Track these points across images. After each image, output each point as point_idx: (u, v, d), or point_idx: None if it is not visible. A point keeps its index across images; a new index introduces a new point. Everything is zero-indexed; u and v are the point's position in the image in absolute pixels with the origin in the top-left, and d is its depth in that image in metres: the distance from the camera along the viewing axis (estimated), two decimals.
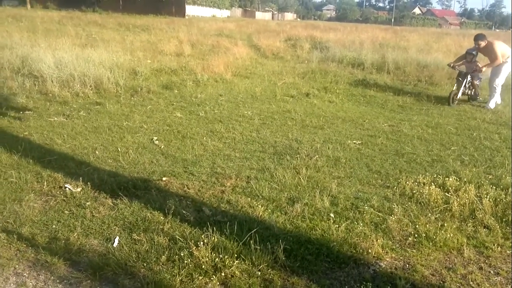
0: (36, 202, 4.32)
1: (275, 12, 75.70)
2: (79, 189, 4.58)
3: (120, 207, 4.21)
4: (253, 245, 3.41)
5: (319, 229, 3.85)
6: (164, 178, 4.89)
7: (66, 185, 4.64)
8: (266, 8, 74.75)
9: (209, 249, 3.35)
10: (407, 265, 3.45)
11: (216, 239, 3.50)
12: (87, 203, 4.29)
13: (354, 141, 6.54)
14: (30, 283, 3.14)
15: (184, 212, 4.05)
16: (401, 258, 3.54)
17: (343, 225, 3.90)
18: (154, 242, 3.58)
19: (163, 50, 14.76)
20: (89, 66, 9.64)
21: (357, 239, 3.70)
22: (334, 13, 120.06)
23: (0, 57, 10.38)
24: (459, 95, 9.87)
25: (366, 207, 4.27)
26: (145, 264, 3.30)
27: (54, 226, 3.86)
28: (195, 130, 6.84)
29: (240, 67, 12.80)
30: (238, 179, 4.90)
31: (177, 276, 3.13)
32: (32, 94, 8.30)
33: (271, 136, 6.69)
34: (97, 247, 3.57)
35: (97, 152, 5.69)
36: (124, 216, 4.05)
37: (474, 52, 10.04)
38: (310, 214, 4.10)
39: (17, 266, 3.33)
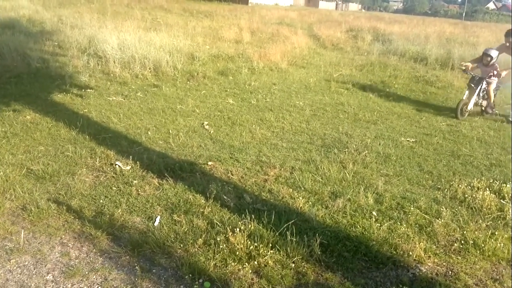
0: (88, 177, 4.54)
1: (339, 2, 73.88)
2: (128, 167, 4.76)
3: (165, 188, 4.33)
4: (289, 237, 3.38)
5: (360, 226, 3.74)
6: (209, 163, 4.96)
7: (117, 163, 4.84)
8: None
9: (245, 236, 3.36)
10: (450, 272, 3.28)
11: (253, 227, 3.51)
12: (134, 181, 4.45)
13: (407, 139, 6.28)
14: (73, 254, 3.32)
15: (225, 197, 4.09)
16: (444, 264, 3.37)
17: (386, 224, 3.77)
18: (193, 224, 3.66)
19: (222, 37, 14.89)
20: (150, 49, 9.94)
21: (398, 240, 3.56)
22: (401, 5, 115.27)
23: (70, 36, 10.96)
24: (471, 105, 7.93)
25: (412, 208, 4.09)
26: (182, 245, 3.38)
27: (101, 201, 4.05)
28: (245, 117, 6.87)
29: (297, 57, 12.65)
30: (282, 169, 4.87)
31: (212, 260, 3.18)
32: (95, 73, 8.69)
33: (320, 128, 6.58)
34: (138, 225, 3.70)
35: (149, 133, 5.88)
36: (167, 197, 4.16)
37: (492, 54, 8.05)
38: (352, 211, 3.99)
39: (63, 236, 3.53)
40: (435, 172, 5.10)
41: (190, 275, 3.05)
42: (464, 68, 8.51)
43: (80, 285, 2.97)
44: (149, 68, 9.17)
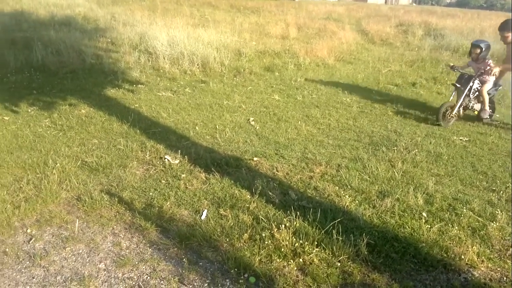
0: (138, 170, 4.69)
1: None
2: (177, 161, 4.87)
3: (212, 182, 4.40)
4: (335, 235, 3.34)
5: (409, 227, 3.63)
6: (255, 158, 4.98)
7: (166, 156, 4.96)
8: None
9: (290, 233, 3.35)
10: (505, 278, 3.12)
11: (298, 224, 3.49)
12: (183, 175, 4.54)
13: (460, 138, 6.02)
14: (124, 244, 3.44)
15: (270, 193, 4.10)
16: (498, 269, 3.21)
17: (436, 226, 3.63)
18: (238, 219, 3.69)
19: (269, 33, 14.88)
20: (198, 46, 10.11)
21: (449, 243, 3.43)
22: None
23: (122, 33, 11.33)
24: (456, 109, 6.69)
25: (464, 210, 3.92)
26: (228, 240, 3.42)
27: (151, 193, 4.17)
28: (291, 113, 6.84)
29: (345, 52, 12.44)
30: (328, 167, 4.81)
31: (257, 256, 3.19)
32: (145, 69, 8.95)
33: (368, 125, 6.44)
34: (186, 218, 3.78)
35: (197, 128, 5.99)
36: (214, 191, 4.22)
37: (482, 45, 6.73)
38: (401, 211, 3.88)
39: (115, 226, 3.67)
40: (490, 173, 4.86)
41: (236, 270, 3.08)
42: (452, 64, 7.36)
43: (130, 275, 3.08)
44: (197, 64, 9.32)
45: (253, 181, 4.38)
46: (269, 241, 3.31)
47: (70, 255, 3.29)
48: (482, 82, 6.93)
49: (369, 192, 4.22)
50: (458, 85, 6.92)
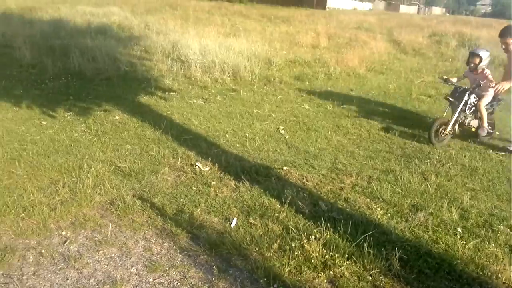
0: (170, 176, 4.76)
1: (422, 6, 70.57)
2: (207, 168, 4.91)
3: (241, 190, 4.41)
4: (366, 248, 3.29)
5: (443, 243, 3.54)
6: (285, 168, 4.97)
7: (196, 163, 5.02)
8: (412, 2, 70.13)
9: (320, 245, 3.33)
10: None
11: (328, 236, 3.46)
12: (213, 182, 4.58)
13: (496, 152, 5.84)
14: (155, 249, 3.49)
15: (300, 203, 4.08)
16: None
17: (472, 242, 3.53)
18: (268, 228, 3.68)
19: (299, 42, 14.91)
20: (229, 54, 10.23)
21: (486, 261, 3.32)
22: (489, 8, 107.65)
23: (155, 42, 11.60)
24: (450, 126, 6.07)
25: (501, 227, 3.79)
26: (257, 249, 3.41)
27: (182, 199, 4.22)
28: (321, 123, 6.81)
29: (376, 62, 12.32)
30: (359, 178, 4.75)
31: (286, 266, 3.18)
32: (177, 77, 9.10)
33: (400, 136, 6.33)
34: (216, 225, 3.80)
35: (227, 136, 6.03)
36: (243, 199, 4.23)
37: (482, 54, 6.15)
38: (434, 226, 3.79)
39: (146, 231, 3.73)
40: None
41: (265, 279, 3.07)
42: (445, 77, 6.62)
43: (161, 280, 3.12)
44: (228, 73, 9.42)
45: (283, 190, 4.37)
46: (299, 252, 3.29)
47: (103, 258, 3.35)
48: (480, 96, 6.29)
49: (402, 205, 4.14)
50: (451, 99, 6.29)
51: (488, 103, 6.35)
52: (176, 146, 5.53)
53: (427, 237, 3.62)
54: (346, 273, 3.12)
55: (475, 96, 6.29)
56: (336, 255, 3.24)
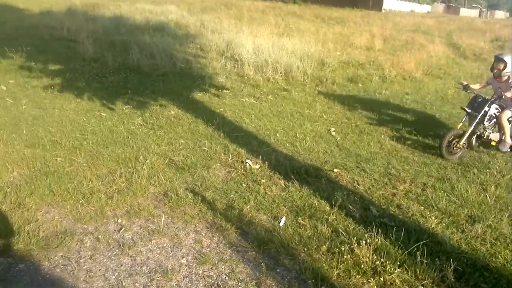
0: (221, 171, 4.84)
1: (484, 9, 67.19)
2: (257, 166, 4.95)
3: (291, 190, 4.41)
4: (419, 257, 3.19)
5: (501, 257, 3.37)
6: (335, 170, 4.92)
7: (247, 161, 5.07)
8: (473, 5, 66.91)
9: (370, 250, 3.26)
10: None
11: (379, 242, 3.39)
12: (262, 180, 4.61)
13: None
14: (205, 242, 3.56)
15: (350, 207, 4.02)
16: None
17: None
18: (317, 230, 3.66)
19: (353, 43, 14.65)
20: (282, 54, 10.23)
21: None
22: None
23: (210, 40, 11.80)
24: (465, 139, 5.51)
25: None
26: (305, 249, 3.40)
27: (232, 195, 4.27)
28: (374, 126, 6.66)
29: (433, 66, 11.86)
30: (412, 185, 4.61)
31: (335, 269, 3.14)
32: (231, 75, 9.22)
33: None
34: (265, 223, 3.83)
35: (277, 135, 6.05)
36: (293, 199, 4.23)
37: (507, 59, 5.46)
38: (493, 239, 3.61)
39: (197, 224, 3.81)
40: None
41: (313, 281, 3.05)
42: (465, 83, 5.95)
43: (210, 273, 3.18)
44: (280, 73, 9.42)
45: (333, 192, 4.32)
46: (348, 256, 3.24)
47: (155, 248, 3.47)
48: (502, 107, 5.65)
49: (458, 216, 3.97)
50: (468, 110, 5.70)
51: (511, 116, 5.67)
52: (228, 143, 5.61)
53: (484, 250, 3.46)
54: (397, 280, 3.04)
55: (497, 107, 5.70)
56: (387, 262, 3.16)
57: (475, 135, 5.74)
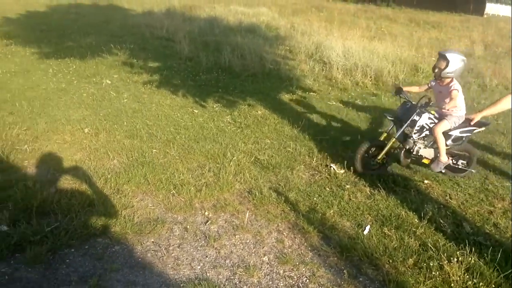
0: (304, 174, 4.85)
1: None
2: (342, 171, 4.88)
3: (376, 198, 4.29)
4: None
5: None
6: (426, 181, 4.70)
7: (331, 165, 5.01)
8: None
9: (462, 269, 3.07)
10: None
11: (472, 261, 3.18)
12: (347, 186, 4.54)
13: None
14: (287, 243, 3.59)
15: (441, 221, 3.81)
16: None
17: None
18: (404, 242, 3.52)
19: (451, 49, 13.83)
20: (372, 58, 9.95)
21: None
22: None
23: (300, 42, 11.83)
24: (383, 153, 4.69)
25: None
26: (390, 261, 3.29)
27: (315, 198, 4.26)
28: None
29: None
30: None
31: (422, 285, 3.01)
32: (318, 78, 9.17)
33: None
34: (348, 229, 3.76)
35: None
36: (378, 208, 4.11)
37: (450, 57, 4.46)
38: None
39: (279, 224, 3.85)
40: None
41: None
42: (398, 85, 4.90)
43: (291, 274, 3.20)
44: (370, 77, 9.18)
45: (422, 204, 4.13)
46: (437, 273, 3.08)
47: (238, 243, 3.57)
48: (441, 116, 4.68)
49: None
50: (389, 117, 4.91)
51: (453, 130, 4.65)
52: (312, 145, 5.59)
53: None
54: None
55: (431, 117, 4.70)
56: (480, 284, 2.96)
57: (405, 149, 4.78)
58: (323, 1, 26.95)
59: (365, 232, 3.70)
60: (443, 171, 4.73)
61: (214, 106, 7.02)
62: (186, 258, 3.36)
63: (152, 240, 3.56)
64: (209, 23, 14.26)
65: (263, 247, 3.52)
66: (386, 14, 23.44)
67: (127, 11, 16.37)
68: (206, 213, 3.98)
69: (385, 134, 4.84)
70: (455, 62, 4.46)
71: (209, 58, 9.58)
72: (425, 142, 4.82)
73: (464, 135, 4.71)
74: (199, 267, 3.25)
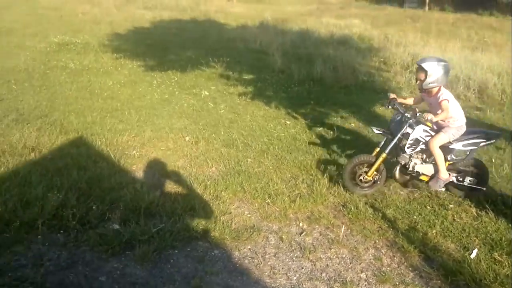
0: (402, 190, 4.66)
1: None
2: (443, 189, 4.60)
3: (484, 220, 4.00)
4: None
5: None
6: None
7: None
8: None
9: None
10: None
11: None
12: (450, 206, 4.28)
13: None
14: (385, 261, 3.46)
15: None
16: None
17: None
18: None
19: None
20: (475, 70, 9.33)
21: None
22: None
23: (394, 54, 11.46)
24: (373, 169, 4.33)
25: None
26: None
27: (415, 216, 4.07)
28: None
29: None
30: None
31: None
32: (415, 90, 8.73)
33: None
34: (452, 252, 3.54)
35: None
36: (487, 230, 3.82)
37: (428, 67, 4.11)
38: None
39: (377, 241, 3.73)
40: None
41: None
42: (392, 96, 4.54)
43: None
44: (473, 90, 8.59)
45: None
46: None
47: (334, 257, 3.52)
48: (440, 128, 4.31)
49: None
50: (377, 131, 4.57)
51: (455, 143, 4.30)
52: None
53: None
54: None
55: (426, 130, 4.33)
56: None
57: (400, 165, 4.47)
58: (418, 11, 25.83)
59: (472, 256, 3.44)
60: (443, 189, 4.48)
61: (306, 118, 7.02)
62: (282, 268, 3.38)
63: (249, 247, 3.63)
64: (301, 35, 14.37)
65: (360, 263, 3.43)
66: (489, 23, 21.81)
67: (222, 26, 17.06)
68: (301, 224, 3.98)
69: (377, 149, 4.55)
70: (434, 70, 4.18)
71: (301, 70, 9.62)
72: (422, 157, 4.53)
73: (468, 148, 4.37)
74: (295, 277, 3.25)
